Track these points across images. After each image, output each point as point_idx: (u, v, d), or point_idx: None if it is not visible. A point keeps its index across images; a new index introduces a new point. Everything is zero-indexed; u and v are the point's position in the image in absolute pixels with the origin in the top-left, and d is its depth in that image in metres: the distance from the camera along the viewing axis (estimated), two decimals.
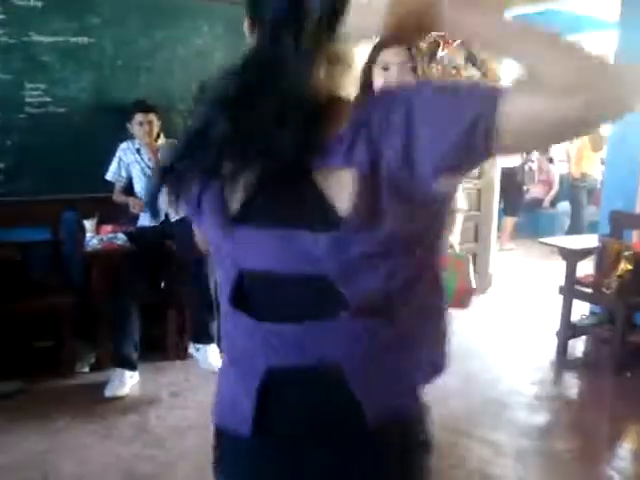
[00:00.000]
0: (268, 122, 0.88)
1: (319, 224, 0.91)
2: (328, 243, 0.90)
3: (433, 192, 0.89)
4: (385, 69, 2.15)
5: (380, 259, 0.92)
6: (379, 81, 2.15)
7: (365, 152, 0.88)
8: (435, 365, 1.09)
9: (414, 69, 2.14)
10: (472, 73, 5.12)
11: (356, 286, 0.93)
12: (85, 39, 3.89)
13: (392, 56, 2.15)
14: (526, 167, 7.34)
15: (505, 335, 4.50)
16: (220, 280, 1.08)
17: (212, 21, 4.26)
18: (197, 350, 3.59)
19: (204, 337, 3.56)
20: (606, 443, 3.15)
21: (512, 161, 6.85)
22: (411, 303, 0.99)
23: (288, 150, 0.87)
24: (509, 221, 7.34)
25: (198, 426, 3.10)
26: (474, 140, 0.82)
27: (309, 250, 0.92)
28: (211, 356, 3.56)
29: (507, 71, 5.33)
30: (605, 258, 3.98)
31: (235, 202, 0.98)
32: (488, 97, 0.83)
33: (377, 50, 2.15)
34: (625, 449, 3.19)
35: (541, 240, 4.39)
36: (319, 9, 0.89)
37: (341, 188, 0.90)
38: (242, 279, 1.01)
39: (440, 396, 3.41)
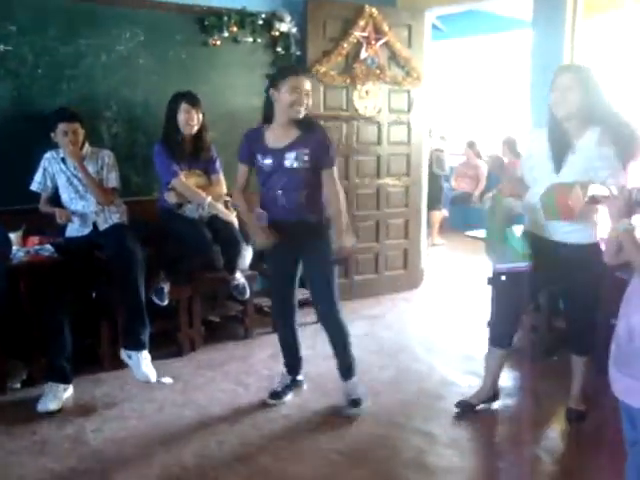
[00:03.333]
0: None
1: None
2: None
3: None
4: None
5: None
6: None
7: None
8: None
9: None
10: (395, 72, 5.22)
11: None
12: (1, 47, 3.80)
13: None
14: (434, 156, 7.45)
15: (437, 328, 4.62)
16: None
17: (134, 28, 4.22)
18: (129, 357, 3.54)
19: (135, 343, 3.52)
20: (536, 425, 3.28)
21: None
22: None
23: None
24: (435, 215, 7.47)
25: (136, 435, 3.08)
26: None
27: None
28: (144, 364, 3.51)
29: (428, 70, 5.48)
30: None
31: None
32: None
33: None
34: (553, 429, 3.32)
35: (468, 233, 4.51)
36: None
37: None
38: None
39: (374, 389, 3.51)
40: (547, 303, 4.01)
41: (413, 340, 4.42)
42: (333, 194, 3.20)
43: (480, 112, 8.68)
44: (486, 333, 4.26)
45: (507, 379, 3.89)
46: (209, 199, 3.92)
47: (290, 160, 3.11)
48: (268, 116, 3.18)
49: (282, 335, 3.50)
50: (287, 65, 2.93)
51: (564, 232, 2.93)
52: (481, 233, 4.51)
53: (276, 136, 3.16)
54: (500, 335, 3.27)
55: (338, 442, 3.03)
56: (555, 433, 3.27)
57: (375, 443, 3.03)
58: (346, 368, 3.37)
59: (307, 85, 3.11)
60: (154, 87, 4.32)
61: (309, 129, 3.16)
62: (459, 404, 3.32)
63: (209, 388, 3.51)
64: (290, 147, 3.12)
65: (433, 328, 4.64)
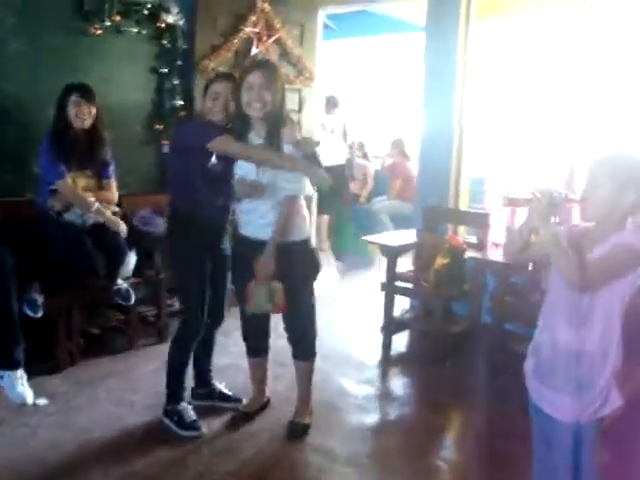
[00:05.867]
0: None
1: None
2: None
3: None
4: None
5: None
6: None
7: None
8: None
9: None
10: (287, 71, 5.08)
11: None
12: None
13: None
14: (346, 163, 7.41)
15: (331, 337, 4.46)
16: None
17: (5, 9, 3.82)
18: (1, 378, 3.21)
19: (7, 362, 3.21)
20: (432, 435, 3.24)
21: (337, 159, 6.85)
22: None
23: None
24: (324, 219, 7.18)
25: (7, 466, 2.75)
26: None
27: None
28: (19, 384, 3.21)
29: (320, 69, 5.41)
30: (423, 253, 4.13)
31: None
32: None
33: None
34: (449, 438, 3.31)
35: (363, 238, 4.44)
36: None
37: None
38: None
39: (267, 405, 3.35)
40: (439, 309, 4.00)
41: None
42: None
43: (372, 113, 8.71)
44: (375, 340, 4.26)
45: (400, 387, 3.86)
46: (97, 205, 3.62)
47: None
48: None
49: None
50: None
51: (266, 231, 2.82)
52: (374, 237, 4.48)
53: None
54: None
55: (233, 463, 2.85)
56: (451, 441, 3.26)
57: (272, 463, 2.88)
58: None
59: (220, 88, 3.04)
60: (27, 77, 3.92)
61: None
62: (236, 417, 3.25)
63: (90, 408, 3.22)
64: None
65: (326, 337, 4.50)
